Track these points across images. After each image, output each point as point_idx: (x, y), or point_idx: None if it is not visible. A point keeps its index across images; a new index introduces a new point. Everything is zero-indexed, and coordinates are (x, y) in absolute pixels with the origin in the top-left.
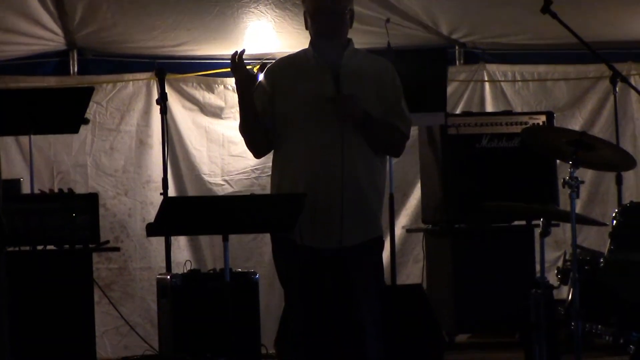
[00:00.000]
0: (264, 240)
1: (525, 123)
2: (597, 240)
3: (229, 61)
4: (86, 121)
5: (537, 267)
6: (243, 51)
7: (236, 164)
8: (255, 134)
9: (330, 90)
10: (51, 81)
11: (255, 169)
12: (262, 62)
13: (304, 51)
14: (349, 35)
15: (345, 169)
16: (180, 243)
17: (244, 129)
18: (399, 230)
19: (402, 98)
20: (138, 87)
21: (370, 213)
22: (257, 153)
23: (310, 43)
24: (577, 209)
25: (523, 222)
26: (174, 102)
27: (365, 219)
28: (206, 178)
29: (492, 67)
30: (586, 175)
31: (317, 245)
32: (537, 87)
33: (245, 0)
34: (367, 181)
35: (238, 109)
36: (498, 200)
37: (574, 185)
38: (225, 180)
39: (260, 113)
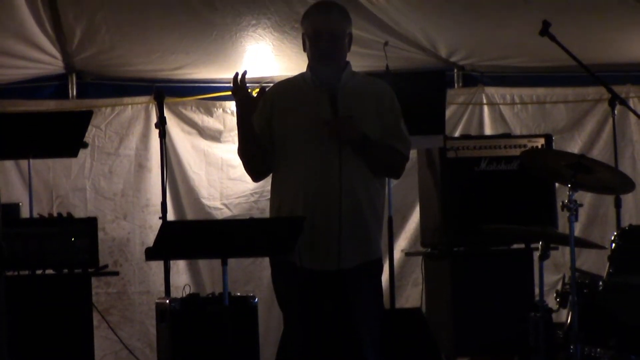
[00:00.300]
0: (263, 264)
1: (524, 146)
2: (596, 263)
3: (228, 84)
4: (85, 145)
5: (537, 290)
6: (245, 73)
7: (235, 187)
8: (254, 157)
9: (328, 113)
10: (50, 105)
11: (254, 192)
12: (261, 85)
13: (301, 74)
14: (348, 58)
15: (343, 191)
16: (179, 267)
17: (243, 152)
18: (398, 254)
19: (401, 120)
20: (137, 110)
21: (368, 235)
22: (256, 177)
23: (308, 66)
24: (577, 232)
25: (522, 245)
26: (173, 126)
27: (364, 241)
28: (205, 202)
29: (491, 90)
30: (585, 198)
31: (316, 267)
32: (536, 109)
33: (244, 24)
34: (365, 203)
35: (237, 132)
36: (497, 223)
37: (573, 208)
38: (224, 204)
39: (259, 136)
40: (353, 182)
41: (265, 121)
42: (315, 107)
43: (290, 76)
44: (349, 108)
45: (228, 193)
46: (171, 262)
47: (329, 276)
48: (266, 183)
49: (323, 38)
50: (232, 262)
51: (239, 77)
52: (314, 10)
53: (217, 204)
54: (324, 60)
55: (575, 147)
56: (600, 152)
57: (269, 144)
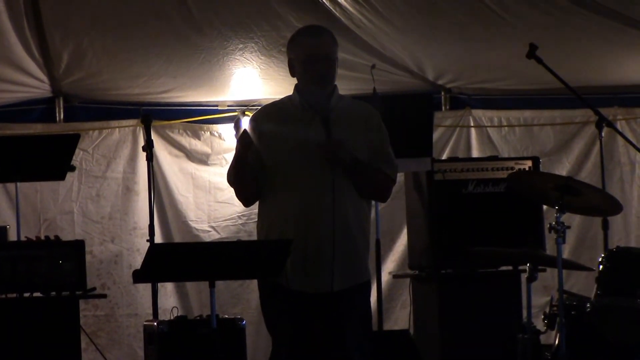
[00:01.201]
0: (251, 287)
1: (512, 168)
2: (586, 285)
3: (216, 107)
4: (72, 168)
5: (525, 312)
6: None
7: (223, 210)
8: (248, 184)
9: (319, 136)
10: (37, 128)
11: (242, 215)
12: (249, 108)
13: (288, 97)
14: (336, 82)
15: (336, 214)
16: (167, 289)
17: (236, 179)
18: (385, 276)
19: (388, 143)
20: (124, 133)
21: (359, 257)
22: (247, 202)
23: (296, 89)
24: (566, 254)
25: (510, 267)
26: (160, 149)
27: (355, 263)
28: (192, 224)
29: (478, 113)
30: (574, 220)
31: (307, 289)
32: (523, 132)
33: (231, 48)
34: (356, 226)
35: (224, 155)
36: (484, 246)
37: (560, 230)
38: (212, 227)
39: (252, 162)
40: (344, 204)
41: (253, 146)
42: (306, 130)
43: (276, 99)
44: (340, 131)
45: (216, 216)
46: (159, 284)
47: (320, 298)
48: (254, 206)
49: (319, 62)
50: (220, 284)
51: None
52: (304, 35)
53: (205, 226)
54: (320, 83)
55: (563, 169)
56: (588, 175)
57: (259, 169)
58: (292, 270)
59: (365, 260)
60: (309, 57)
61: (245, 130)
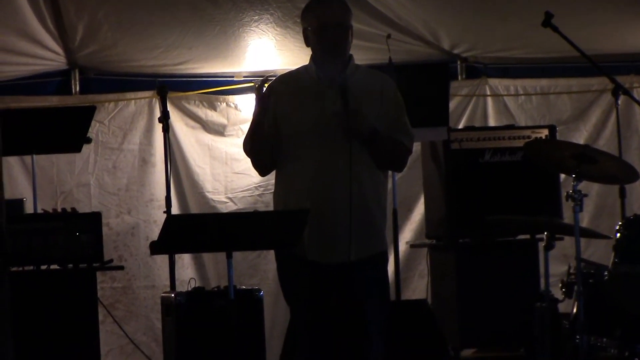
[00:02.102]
0: (268, 257)
1: (528, 137)
2: (605, 253)
3: (232, 79)
4: (89, 140)
5: (543, 281)
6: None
7: (239, 181)
8: (264, 152)
9: (336, 105)
10: (53, 101)
11: (259, 186)
12: (265, 78)
13: (304, 67)
14: (350, 52)
15: (353, 185)
16: (184, 261)
17: (252, 148)
18: (403, 246)
19: (405, 112)
20: (140, 105)
21: (376, 228)
22: (263, 171)
23: (312, 59)
24: (585, 222)
25: (527, 236)
26: (177, 120)
27: (372, 233)
28: (209, 196)
29: (495, 82)
30: (593, 188)
31: (324, 260)
32: (540, 100)
33: (246, 20)
34: (372, 196)
35: (240, 126)
36: (502, 215)
37: (577, 198)
38: (229, 198)
39: (268, 133)
40: (361, 174)
41: (269, 116)
42: (323, 101)
43: (292, 69)
44: (356, 101)
45: (233, 187)
46: (176, 256)
47: (337, 269)
48: (271, 177)
49: (331, 30)
50: (237, 255)
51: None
52: (317, 4)
53: (222, 197)
54: (333, 52)
55: (580, 137)
56: (606, 143)
57: (275, 138)
58: (309, 241)
59: (383, 231)
60: (321, 26)
61: (264, 93)
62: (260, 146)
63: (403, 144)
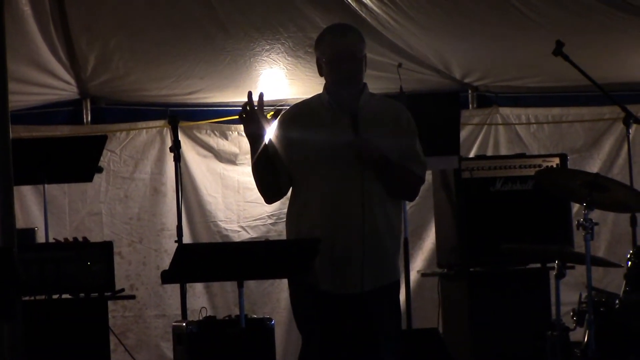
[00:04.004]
0: (281, 286)
1: (539, 165)
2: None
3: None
4: (100, 169)
5: (554, 309)
6: (261, 96)
7: (252, 210)
8: (266, 178)
9: (349, 135)
10: (65, 130)
11: (272, 215)
12: (276, 108)
13: (318, 96)
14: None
15: (365, 214)
16: (196, 290)
17: (255, 173)
18: (414, 274)
19: (418, 141)
20: (151, 134)
21: (389, 257)
22: (268, 198)
23: (325, 88)
24: (602, 250)
25: (538, 265)
26: (188, 150)
27: (385, 263)
28: (222, 224)
29: (506, 111)
30: (609, 216)
31: (337, 290)
32: (552, 129)
33: (258, 49)
34: (385, 225)
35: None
36: (513, 243)
37: (589, 227)
38: (242, 227)
39: (276, 161)
40: (373, 204)
41: (281, 144)
42: (336, 130)
43: (305, 98)
44: (369, 130)
45: (245, 215)
46: (187, 285)
47: (350, 299)
48: (283, 205)
49: (345, 61)
50: (250, 284)
51: (251, 104)
52: (331, 34)
53: (235, 226)
54: (347, 82)
55: (594, 166)
56: (620, 171)
57: (284, 167)
58: (321, 271)
59: (396, 260)
60: (335, 56)
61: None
62: (263, 171)
63: (415, 172)
